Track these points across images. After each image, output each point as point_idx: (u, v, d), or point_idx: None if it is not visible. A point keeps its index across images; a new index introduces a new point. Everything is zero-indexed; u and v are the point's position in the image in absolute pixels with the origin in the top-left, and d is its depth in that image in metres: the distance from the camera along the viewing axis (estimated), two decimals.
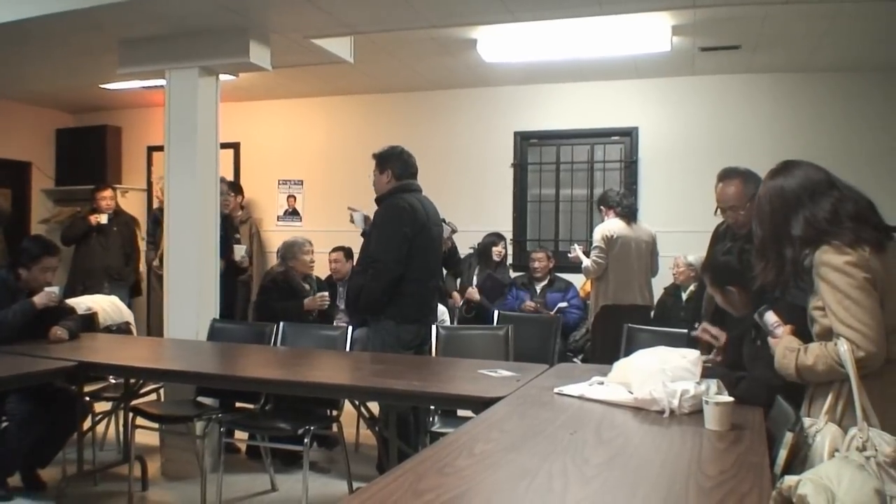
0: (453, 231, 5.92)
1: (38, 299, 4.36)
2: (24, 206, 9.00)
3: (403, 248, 4.32)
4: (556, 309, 6.26)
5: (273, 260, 7.11)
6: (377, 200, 4.58)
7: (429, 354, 4.43)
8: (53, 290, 4.47)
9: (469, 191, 7.50)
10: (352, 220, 5.02)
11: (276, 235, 7.77)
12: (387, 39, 5.59)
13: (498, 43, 6.05)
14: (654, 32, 5.67)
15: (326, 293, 5.44)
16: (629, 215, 5.96)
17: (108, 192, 7.54)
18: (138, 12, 4.56)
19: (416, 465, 2.03)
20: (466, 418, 3.99)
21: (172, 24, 4.77)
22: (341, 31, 5.07)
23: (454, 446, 2.20)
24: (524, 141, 7.58)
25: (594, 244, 5.92)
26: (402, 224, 4.35)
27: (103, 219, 7.26)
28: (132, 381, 4.47)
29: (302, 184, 8.25)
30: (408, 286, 4.34)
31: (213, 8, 4.44)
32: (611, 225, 5.92)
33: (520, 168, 7.56)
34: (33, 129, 9.17)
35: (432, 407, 4.10)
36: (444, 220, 5.12)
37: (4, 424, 4.20)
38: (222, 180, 5.66)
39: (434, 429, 4.00)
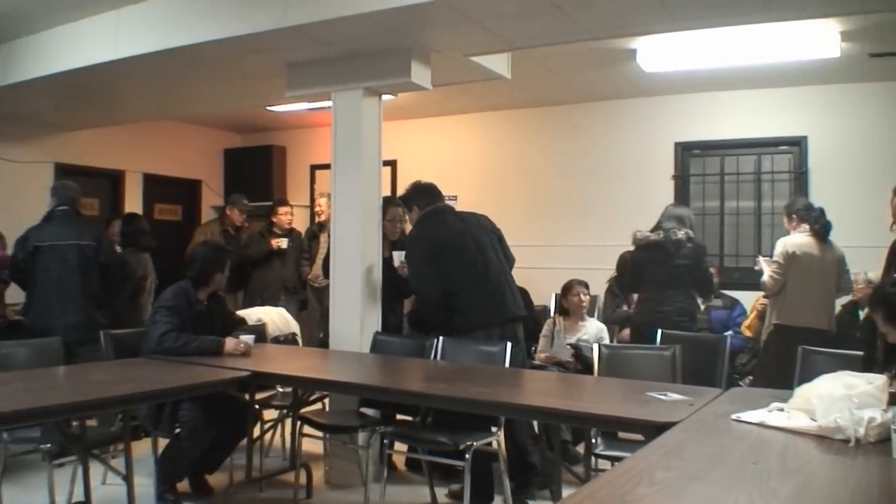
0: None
1: (228, 346, 4.44)
2: (194, 222, 9.55)
3: (430, 270, 4.64)
4: (725, 330, 5.95)
5: None
6: (406, 239, 5.06)
7: (525, 356, 4.71)
8: (249, 338, 4.57)
9: (628, 204, 7.34)
10: (392, 260, 5.27)
11: None
12: (544, 53, 5.56)
13: (658, 52, 5.93)
14: (822, 38, 5.40)
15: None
16: (822, 234, 5.40)
17: (286, 209, 7.79)
18: (305, 37, 4.71)
19: (595, 492, 1.97)
20: (628, 441, 3.94)
21: (338, 47, 4.91)
22: (501, 48, 5.07)
23: (632, 473, 2.12)
24: (685, 152, 7.37)
25: (773, 258, 5.51)
26: (419, 250, 4.75)
27: (283, 243, 7.52)
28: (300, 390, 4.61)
29: (456, 199, 8.32)
30: (456, 300, 4.60)
31: (377, 30, 4.54)
32: (795, 240, 5.44)
33: (681, 180, 7.34)
34: (203, 149, 9.75)
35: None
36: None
37: (177, 431, 4.39)
38: (399, 204, 5.76)
39: (598, 451, 3.91)
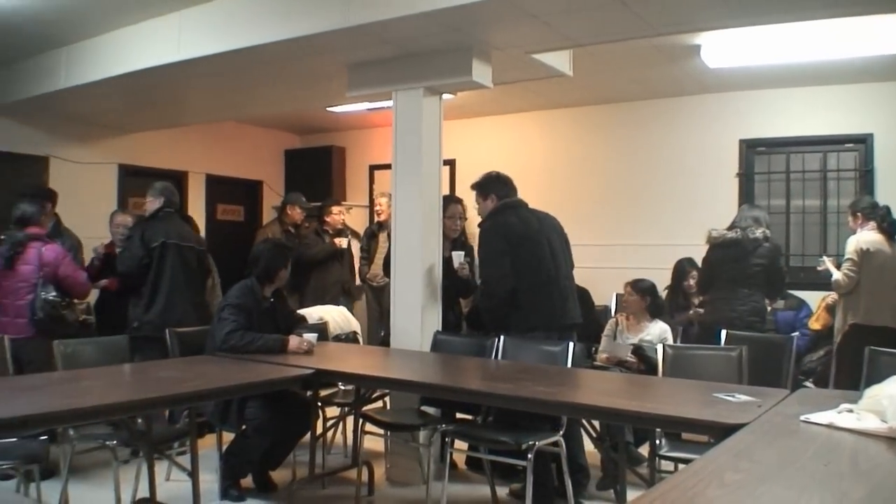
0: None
1: (292, 345, 4.51)
2: (255, 223, 9.69)
3: (504, 263, 4.54)
4: (791, 331, 5.81)
5: None
6: (480, 225, 4.87)
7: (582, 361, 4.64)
8: (312, 336, 4.64)
9: (691, 202, 7.24)
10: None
11: None
12: (605, 50, 5.49)
13: (723, 48, 5.82)
14: (889, 33, 5.25)
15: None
16: (890, 232, 5.39)
17: (339, 208, 7.81)
18: (366, 36, 4.72)
19: (666, 493, 1.94)
20: (692, 442, 3.88)
21: (398, 46, 4.92)
22: (563, 45, 5.03)
23: (702, 474, 2.09)
24: (750, 149, 7.21)
25: (846, 256, 5.44)
26: (498, 241, 4.62)
27: (345, 243, 7.57)
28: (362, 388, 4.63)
29: None
30: (522, 297, 4.55)
31: (438, 28, 4.54)
32: (868, 237, 5.41)
33: (746, 178, 7.19)
34: (264, 150, 9.88)
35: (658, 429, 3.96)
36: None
37: (243, 428, 4.47)
38: (459, 201, 5.78)
39: (662, 452, 3.85)
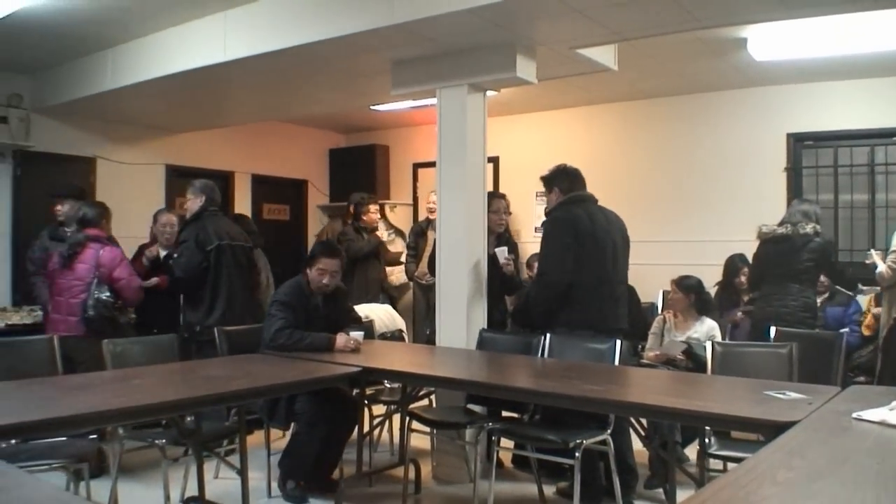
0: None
1: (339, 343, 4.53)
2: (301, 221, 9.77)
3: (567, 258, 4.47)
4: (840, 328, 5.72)
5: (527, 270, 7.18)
6: (545, 215, 4.82)
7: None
8: (359, 335, 4.66)
9: (738, 197, 7.15)
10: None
11: (533, 246, 7.82)
12: (650, 44, 5.41)
13: (770, 40, 5.71)
14: None
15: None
16: None
17: (376, 206, 7.81)
18: (411, 34, 4.73)
19: (718, 491, 1.92)
20: (741, 440, 3.83)
21: (443, 43, 4.92)
22: (608, 39, 4.98)
23: (755, 473, 2.06)
24: (798, 143, 7.09)
25: (891, 248, 5.33)
26: (564, 235, 4.53)
27: (385, 235, 7.58)
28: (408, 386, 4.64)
29: None
30: (576, 293, 4.49)
31: (481, 25, 4.53)
32: None
33: (794, 172, 7.07)
34: (309, 150, 9.96)
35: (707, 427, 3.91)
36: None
37: (293, 428, 4.52)
38: (503, 196, 5.77)
39: (712, 451, 3.80)
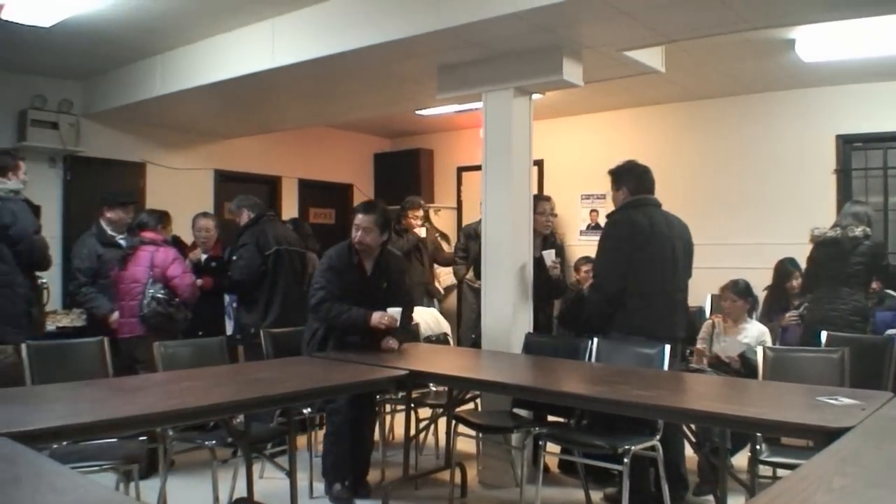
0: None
1: (374, 319, 4.51)
2: (346, 225, 9.78)
3: (621, 263, 4.41)
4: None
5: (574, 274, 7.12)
6: (608, 216, 4.73)
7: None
8: (396, 311, 4.60)
9: (786, 200, 7.05)
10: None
11: (579, 250, 7.80)
12: (697, 45, 5.38)
13: (818, 41, 5.64)
14: None
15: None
16: None
17: (414, 213, 7.63)
18: (457, 38, 4.74)
19: (773, 499, 1.89)
20: (791, 447, 3.76)
21: (489, 47, 4.92)
22: (655, 41, 4.95)
23: (809, 480, 2.02)
24: (847, 144, 6.97)
25: None
26: (621, 240, 4.46)
27: (422, 232, 7.58)
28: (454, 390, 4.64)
29: (605, 198, 8.19)
30: (631, 300, 4.40)
31: (527, 29, 4.52)
32: None
33: (843, 174, 6.95)
34: (354, 154, 10.03)
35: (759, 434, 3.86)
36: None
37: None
38: (548, 199, 5.76)
39: (763, 457, 3.75)
